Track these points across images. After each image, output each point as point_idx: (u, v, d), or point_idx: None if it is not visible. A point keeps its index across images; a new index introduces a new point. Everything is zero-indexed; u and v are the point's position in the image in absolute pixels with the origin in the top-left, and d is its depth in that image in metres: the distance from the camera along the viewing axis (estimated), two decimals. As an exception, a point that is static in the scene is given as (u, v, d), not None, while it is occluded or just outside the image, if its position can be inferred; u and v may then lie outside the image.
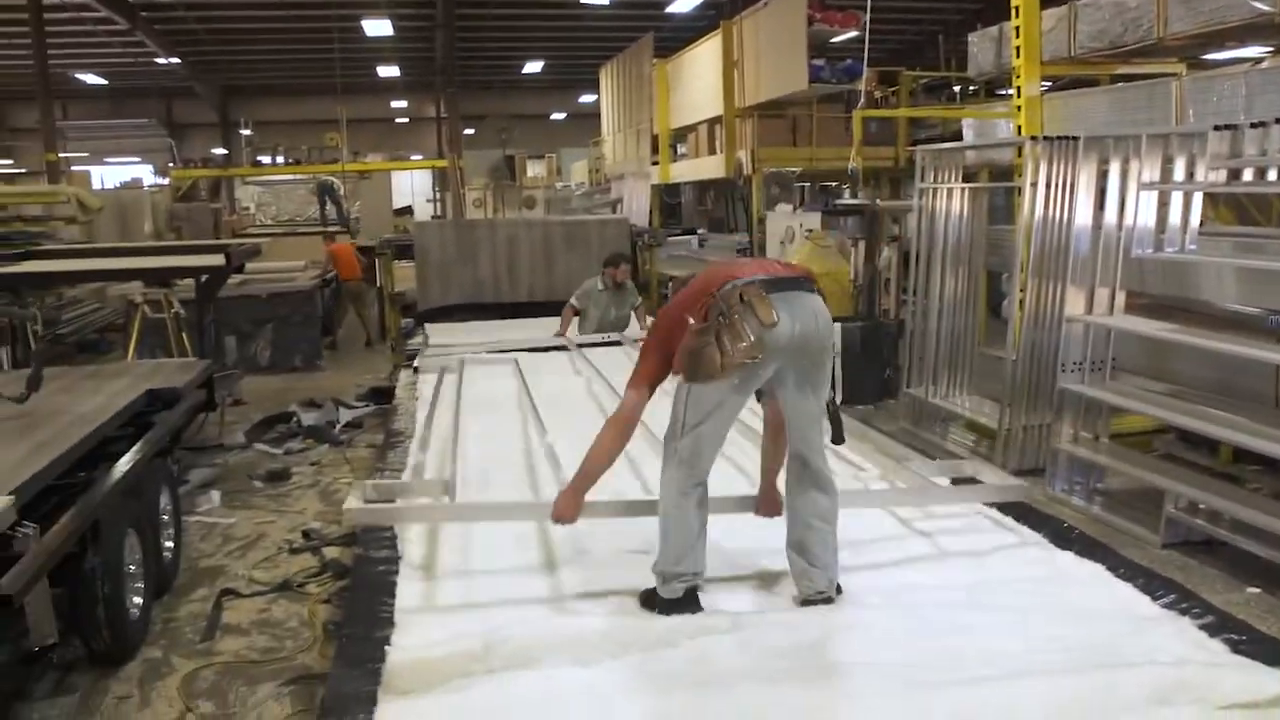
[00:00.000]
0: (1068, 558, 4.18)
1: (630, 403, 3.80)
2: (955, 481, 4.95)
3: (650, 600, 3.74)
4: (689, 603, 3.67)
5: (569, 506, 3.85)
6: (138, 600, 4.53)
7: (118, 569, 4.25)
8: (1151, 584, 3.86)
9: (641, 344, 3.91)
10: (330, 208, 21.52)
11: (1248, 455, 5.66)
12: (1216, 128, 5.59)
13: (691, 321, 3.58)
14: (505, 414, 6.68)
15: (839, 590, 3.77)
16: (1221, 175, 5.66)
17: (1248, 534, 4.96)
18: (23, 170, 30.42)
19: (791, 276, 3.69)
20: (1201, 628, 3.47)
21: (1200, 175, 5.66)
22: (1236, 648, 3.31)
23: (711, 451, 3.71)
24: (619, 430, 3.79)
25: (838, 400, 8.19)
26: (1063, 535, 4.39)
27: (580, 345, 8.70)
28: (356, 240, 17.24)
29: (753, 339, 3.44)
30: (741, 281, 3.55)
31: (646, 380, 3.79)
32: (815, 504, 3.75)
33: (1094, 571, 4.02)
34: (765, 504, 4.05)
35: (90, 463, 4.66)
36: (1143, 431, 6.63)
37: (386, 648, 3.45)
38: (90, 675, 4.27)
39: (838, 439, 3.90)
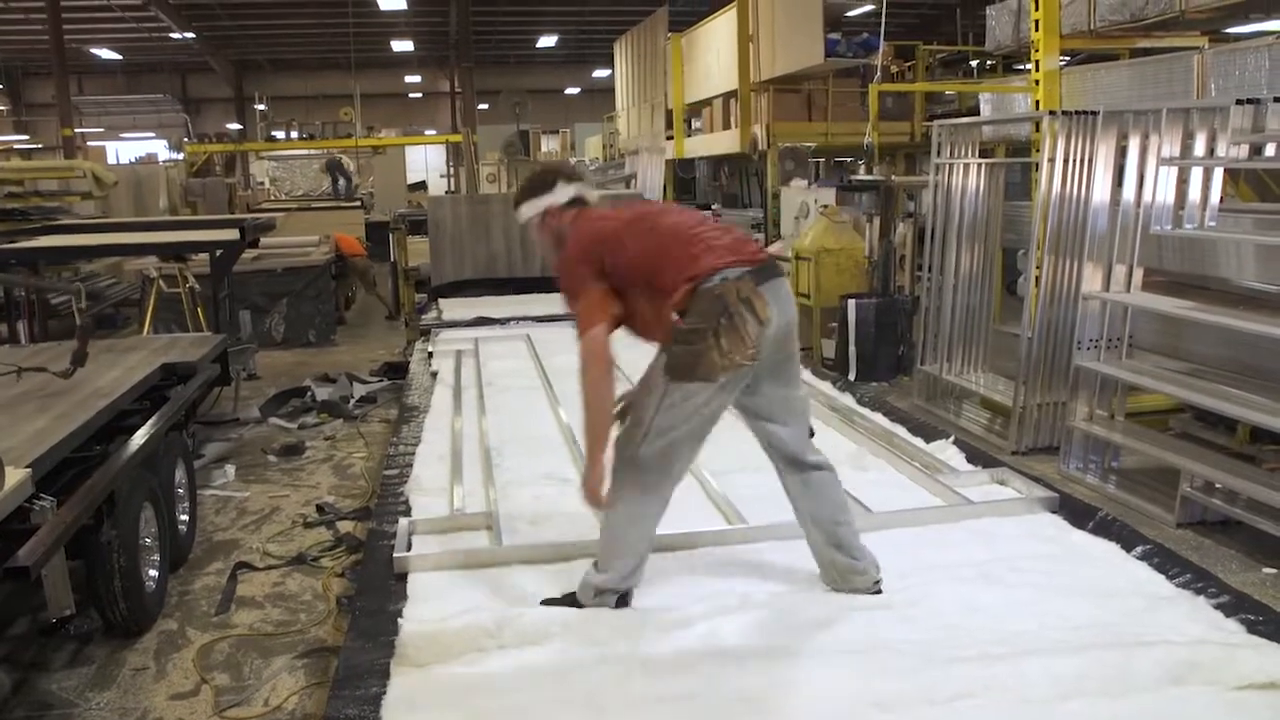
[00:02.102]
0: (1082, 536, 4.16)
1: (597, 340, 3.34)
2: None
3: (568, 603, 3.52)
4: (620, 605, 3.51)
5: (599, 483, 3.45)
6: (153, 573, 4.56)
7: (134, 541, 4.27)
8: (1167, 563, 3.84)
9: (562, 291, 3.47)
10: (341, 183, 21.56)
11: (1265, 435, 5.61)
12: (1239, 102, 5.51)
13: (676, 318, 3.28)
14: (524, 397, 6.64)
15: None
16: (1243, 151, 5.59)
17: (1264, 514, 4.93)
18: (39, 145, 30.53)
19: (766, 263, 3.39)
20: (1217, 607, 3.45)
21: (1221, 150, 5.58)
22: (1253, 628, 3.29)
23: (686, 461, 3.43)
24: (602, 371, 3.37)
25: (851, 376, 8.17)
26: (1077, 513, 4.37)
27: None
28: (369, 214, 17.22)
29: (755, 345, 3.23)
30: (733, 275, 3.26)
31: (596, 313, 3.35)
32: (830, 498, 3.56)
33: (1108, 550, 4.00)
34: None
35: (106, 436, 4.69)
36: (1159, 410, 6.59)
37: (400, 621, 3.46)
38: (107, 647, 4.30)
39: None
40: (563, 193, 3.62)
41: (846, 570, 3.60)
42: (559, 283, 3.51)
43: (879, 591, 3.60)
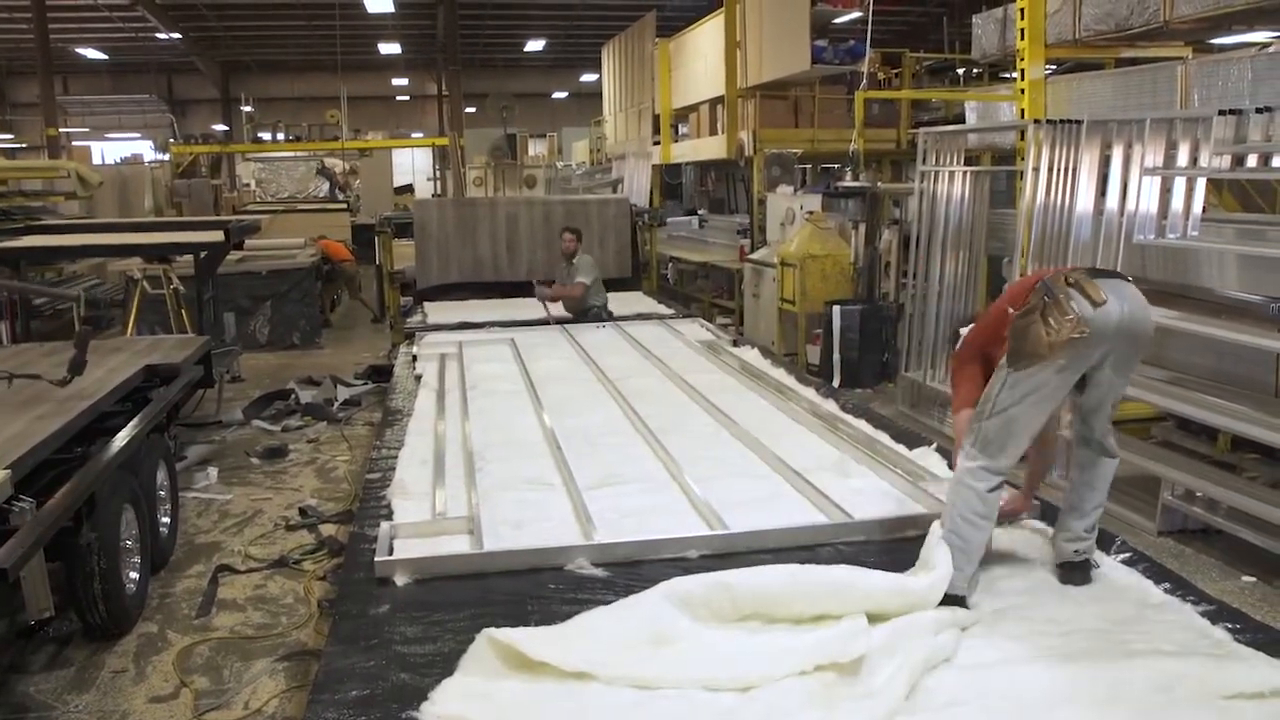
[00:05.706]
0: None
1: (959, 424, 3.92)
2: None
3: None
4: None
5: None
6: (134, 575, 4.54)
7: (114, 544, 4.25)
8: (1154, 571, 3.85)
9: (951, 373, 4.04)
10: (327, 186, 21.58)
11: (1246, 443, 5.65)
12: (1221, 112, 5.56)
13: (1012, 310, 3.61)
14: (507, 401, 6.62)
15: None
16: (1225, 161, 5.63)
17: (1244, 522, 4.97)
18: (23, 145, 30.36)
19: (1107, 269, 3.70)
20: (1204, 615, 3.46)
21: (1204, 160, 5.63)
22: (1239, 637, 3.29)
23: (1022, 440, 3.64)
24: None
25: (836, 383, 8.14)
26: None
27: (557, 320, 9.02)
28: (355, 217, 17.18)
29: (1079, 315, 3.44)
30: (1065, 271, 3.61)
31: (966, 405, 3.85)
32: (1103, 469, 3.86)
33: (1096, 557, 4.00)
34: (1019, 502, 4.19)
35: (87, 438, 4.67)
36: (1141, 418, 6.61)
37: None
38: (86, 649, 4.28)
39: None
40: None
41: (1067, 539, 3.82)
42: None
43: (1084, 560, 3.78)
